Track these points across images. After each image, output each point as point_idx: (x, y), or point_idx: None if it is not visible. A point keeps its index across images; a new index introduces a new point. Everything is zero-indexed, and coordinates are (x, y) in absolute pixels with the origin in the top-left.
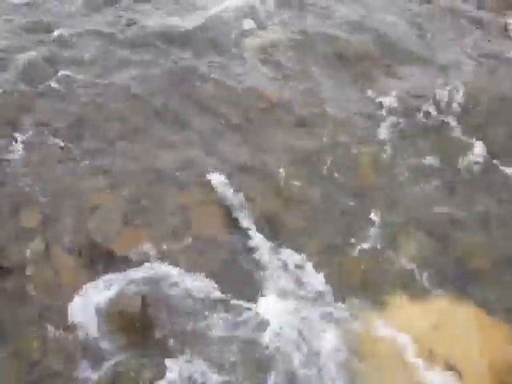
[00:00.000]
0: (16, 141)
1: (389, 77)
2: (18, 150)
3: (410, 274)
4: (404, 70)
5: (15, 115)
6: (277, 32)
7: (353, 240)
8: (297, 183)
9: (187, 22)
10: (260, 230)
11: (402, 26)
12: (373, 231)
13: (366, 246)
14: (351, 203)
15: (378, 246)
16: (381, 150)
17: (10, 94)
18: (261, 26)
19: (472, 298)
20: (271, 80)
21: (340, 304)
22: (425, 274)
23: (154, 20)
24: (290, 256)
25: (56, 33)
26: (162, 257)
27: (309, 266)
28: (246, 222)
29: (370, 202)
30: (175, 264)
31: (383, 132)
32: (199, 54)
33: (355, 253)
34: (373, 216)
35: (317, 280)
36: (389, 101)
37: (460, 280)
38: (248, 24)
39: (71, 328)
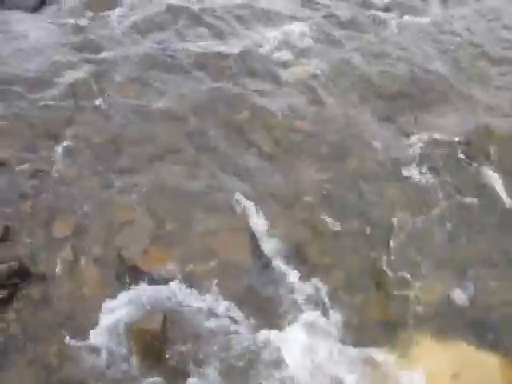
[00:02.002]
0: (56, 153)
1: (424, 114)
2: (57, 162)
3: (435, 316)
4: (440, 108)
5: (58, 129)
6: (313, 64)
7: (377, 277)
8: (324, 215)
9: (227, 50)
10: (284, 259)
11: (442, 62)
12: (398, 269)
13: (390, 283)
14: (377, 239)
15: (403, 285)
16: (410, 186)
17: (55, 108)
18: (298, 58)
19: (498, 347)
20: (305, 111)
21: (360, 341)
22: (450, 317)
23: (194, 46)
24: (313, 288)
25: (102, 54)
26: (186, 278)
27: (331, 300)
28: (271, 250)
29: (397, 239)
30: (198, 286)
31: (413, 169)
32: (236, 81)
33: (379, 290)
34: (399, 253)
35: (338, 315)
36: (421, 138)
37: (486, 326)
38: (285, 55)
39: (91, 339)
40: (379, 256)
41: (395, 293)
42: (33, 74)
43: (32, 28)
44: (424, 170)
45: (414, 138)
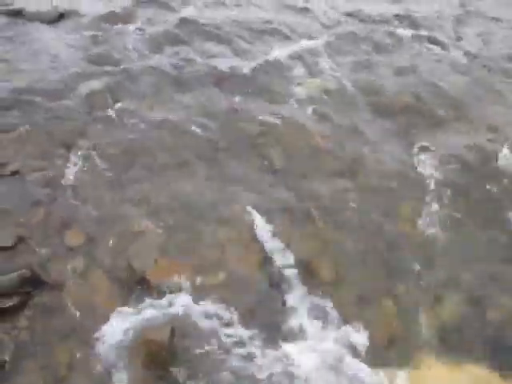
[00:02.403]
0: (70, 163)
1: (435, 130)
2: (70, 171)
3: (444, 336)
4: (452, 124)
5: (72, 139)
6: (326, 80)
7: (386, 295)
8: (334, 231)
9: (241, 65)
10: (294, 273)
11: (454, 78)
12: (408, 287)
13: (399, 301)
14: (388, 257)
15: (413, 303)
16: (422, 203)
17: (71, 118)
18: (311, 73)
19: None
20: (317, 127)
21: (369, 360)
22: (460, 338)
23: (209, 60)
24: (321, 304)
25: (117, 66)
26: (195, 290)
27: (340, 316)
28: (280, 263)
29: (408, 256)
30: (207, 299)
31: (424, 186)
32: (249, 96)
33: (388, 308)
34: (409, 271)
35: (347, 332)
36: (432, 155)
37: (500, 348)
38: (298, 71)
39: (99, 349)
40: (391, 273)
41: (407, 312)
42: (50, 85)
43: (50, 40)
44: (436, 186)
45: (426, 155)
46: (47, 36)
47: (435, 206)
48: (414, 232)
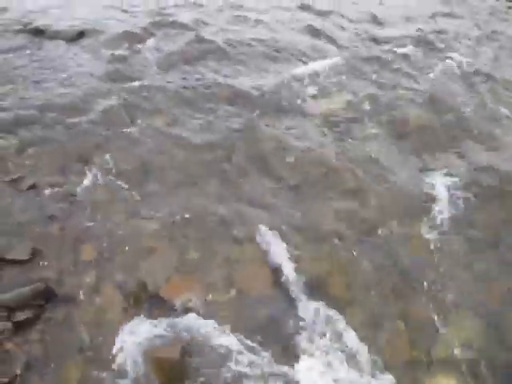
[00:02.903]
0: (86, 178)
1: (449, 149)
2: (86, 186)
3: (458, 359)
4: (465, 145)
5: (89, 154)
6: (339, 99)
7: (399, 316)
8: (347, 250)
9: (255, 84)
10: (305, 292)
11: (467, 98)
12: (421, 308)
13: (412, 323)
14: (400, 277)
15: (426, 325)
16: (435, 224)
17: (87, 134)
18: (324, 93)
19: None
20: (331, 145)
21: (382, 381)
22: (473, 361)
23: (225, 79)
24: (333, 324)
25: (134, 83)
26: (206, 308)
27: (352, 337)
28: (292, 282)
29: (421, 277)
30: (218, 316)
31: (438, 206)
32: (264, 114)
33: (401, 329)
34: (422, 292)
35: (360, 352)
36: (448, 175)
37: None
38: (313, 90)
39: (110, 365)
40: (404, 294)
41: (420, 333)
42: (68, 101)
43: (69, 57)
44: (450, 207)
45: (440, 175)
46: (66, 54)
47: (449, 227)
48: (427, 253)
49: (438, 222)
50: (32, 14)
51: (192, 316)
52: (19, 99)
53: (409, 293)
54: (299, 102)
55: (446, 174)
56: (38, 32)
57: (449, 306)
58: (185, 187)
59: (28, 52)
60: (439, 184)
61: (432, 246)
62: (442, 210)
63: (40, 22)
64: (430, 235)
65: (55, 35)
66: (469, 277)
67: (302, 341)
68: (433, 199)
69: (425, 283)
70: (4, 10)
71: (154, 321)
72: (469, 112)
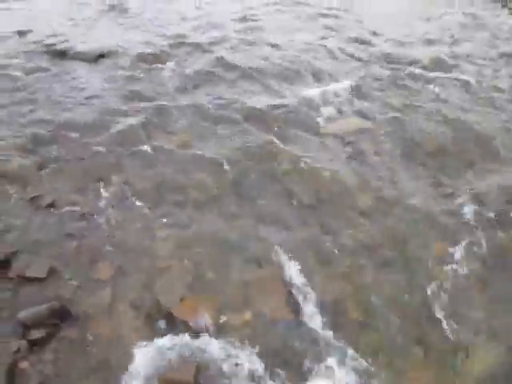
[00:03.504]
0: (103, 197)
1: (469, 172)
2: (102, 205)
3: None
4: (484, 166)
5: (106, 173)
6: (355, 120)
7: (416, 342)
8: (364, 271)
9: (272, 104)
10: (320, 315)
11: (485, 119)
12: (439, 337)
13: (429, 350)
14: (418, 302)
15: (444, 353)
16: (454, 248)
17: (105, 153)
18: (341, 114)
19: None
20: (346, 165)
21: None
22: None
23: (241, 99)
24: (347, 350)
25: (152, 103)
26: (220, 329)
27: (369, 360)
28: (306, 304)
29: (439, 303)
30: (231, 338)
31: (457, 230)
32: (279, 134)
33: (417, 357)
34: (441, 320)
35: (376, 377)
36: (467, 197)
37: None
38: (328, 110)
39: None
40: (423, 318)
41: (439, 359)
42: (87, 120)
43: (90, 78)
44: (469, 230)
45: (457, 197)
46: (87, 75)
47: (469, 251)
48: (445, 277)
49: (458, 245)
50: (55, 36)
51: (206, 337)
52: (40, 119)
53: (428, 319)
54: (315, 121)
55: (465, 196)
56: (60, 54)
57: (469, 334)
58: (200, 206)
59: (50, 73)
60: (458, 206)
61: (451, 271)
62: (462, 234)
63: (62, 44)
64: (450, 259)
65: (76, 57)
66: (491, 304)
67: (318, 365)
68: (452, 222)
69: (445, 309)
70: (28, 32)
71: (168, 341)
72: (488, 134)
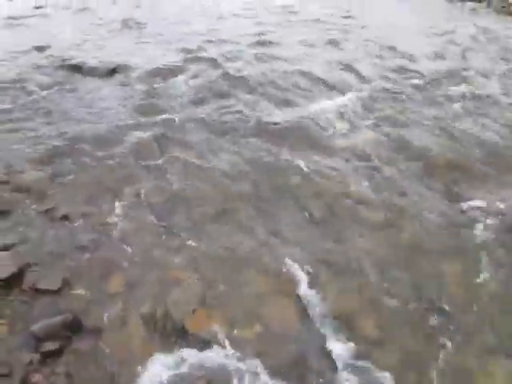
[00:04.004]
0: (116, 209)
1: (482, 186)
2: (115, 217)
3: None
4: (497, 180)
5: (119, 186)
6: (367, 134)
7: (432, 357)
8: (376, 285)
9: (282, 117)
10: (333, 329)
11: (499, 134)
12: (455, 350)
13: (446, 365)
14: (433, 317)
15: (460, 368)
16: (469, 263)
17: (118, 166)
18: (352, 127)
19: None
20: (358, 179)
21: None
22: None
23: (253, 112)
24: (362, 364)
25: (164, 117)
26: (232, 342)
27: (383, 378)
28: (319, 318)
29: (455, 319)
30: (243, 351)
31: (470, 243)
32: (291, 147)
33: (433, 371)
34: (457, 333)
35: None
36: (477, 210)
37: None
38: (340, 124)
39: None
40: (437, 334)
41: (454, 377)
42: (101, 133)
43: (104, 92)
44: (483, 244)
45: (470, 210)
46: (101, 89)
47: (486, 267)
48: (460, 292)
49: (474, 260)
50: (70, 51)
51: (217, 350)
52: (55, 132)
53: (443, 333)
54: (326, 135)
55: (479, 211)
56: (75, 68)
57: (486, 350)
58: (212, 219)
59: (65, 87)
60: (471, 220)
61: (467, 286)
62: (477, 248)
63: (77, 59)
64: (465, 274)
65: (91, 71)
66: (507, 317)
67: (329, 379)
68: (465, 236)
69: (460, 324)
70: (46, 47)
71: (179, 354)
72: (499, 147)
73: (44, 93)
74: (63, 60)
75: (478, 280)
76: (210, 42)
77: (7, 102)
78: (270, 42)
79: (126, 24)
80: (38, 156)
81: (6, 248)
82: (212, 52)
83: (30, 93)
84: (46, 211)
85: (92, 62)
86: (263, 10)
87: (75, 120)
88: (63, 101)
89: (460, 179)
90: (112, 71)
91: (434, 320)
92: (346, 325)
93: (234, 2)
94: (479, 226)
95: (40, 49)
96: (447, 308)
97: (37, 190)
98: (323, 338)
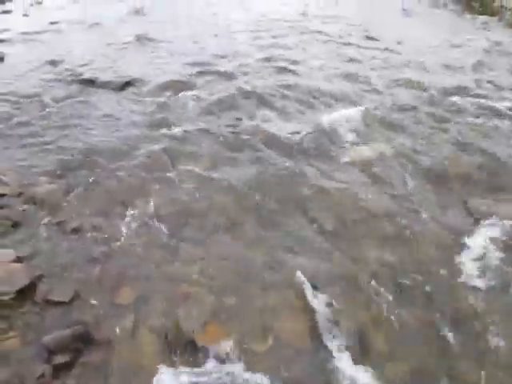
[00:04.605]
0: (127, 221)
1: (495, 199)
2: (126, 229)
3: None
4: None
5: (130, 198)
6: (379, 146)
7: (446, 376)
8: (389, 299)
9: (292, 130)
10: (344, 344)
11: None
12: (469, 367)
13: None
14: (447, 333)
15: None
16: (483, 276)
17: (129, 178)
18: (364, 139)
19: None
20: (369, 191)
21: None
22: None
23: (263, 125)
24: (375, 379)
25: (176, 130)
26: (241, 356)
27: None
28: (329, 332)
29: (468, 332)
30: (253, 366)
31: (486, 256)
32: (300, 159)
33: None
34: (472, 350)
35: None
36: (494, 225)
37: None
38: (349, 136)
39: None
40: (451, 351)
41: None
42: (113, 146)
43: (116, 105)
44: (497, 258)
45: (484, 224)
46: (113, 102)
47: (498, 280)
48: (475, 307)
49: (486, 273)
50: (84, 65)
51: (226, 365)
52: (69, 144)
53: (456, 349)
54: (335, 148)
55: (492, 224)
56: (89, 82)
57: (503, 367)
58: (223, 232)
59: (78, 100)
60: (485, 233)
61: (479, 299)
62: (489, 261)
63: (90, 73)
64: (477, 287)
65: (104, 85)
66: None
67: None
68: (479, 249)
69: (473, 338)
70: (60, 62)
71: (189, 367)
72: None
73: (58, 106)
74: (77, 74)
75: (494, 294)
76: (221, 56)
77: (22, 115)
78: (282, 57)
79: (139, 39)
80: (52, 169)
81: (19, 260)
82: (223, 66)
83: (44, 106)
84: (59, 223)
85: (105, 76)
86: (276, 24)
87: (88, 133)
88: (77, 114)
89: (474, 192)
90: (124, 85)
91: (447, 334)
92: (356, 339)
93: (245, 19)
94: (495, 240)
95: (54, 63)
96: (459, 322)
97: (49, 203)
98: (334, 353)
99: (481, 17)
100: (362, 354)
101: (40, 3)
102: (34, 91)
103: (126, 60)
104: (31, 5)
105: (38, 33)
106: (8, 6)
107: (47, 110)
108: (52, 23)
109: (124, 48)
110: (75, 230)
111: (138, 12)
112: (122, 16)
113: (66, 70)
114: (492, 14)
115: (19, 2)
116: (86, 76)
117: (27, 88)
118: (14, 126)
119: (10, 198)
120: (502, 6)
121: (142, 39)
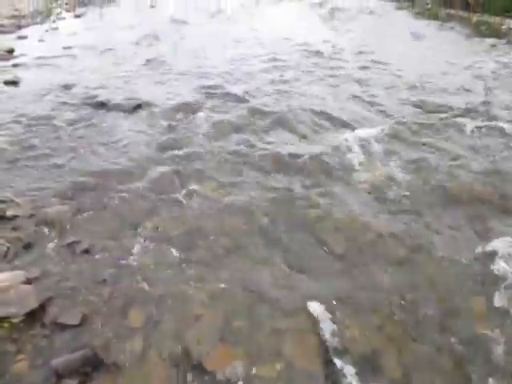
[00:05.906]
0: (137, 243)
1: (507, 223)
2: (135, 250)
3: None
4: None
5: (140, 219)
6: (388, 168)
7: None
8: (400, 324)
9: (301, 151)
10: (356, 369)
11: None
12: None
13: None
14: (460, 358)
15: None
16: (498, 300)
17: (139, 200)
18: (372, 161)
19: None
20: (378, 213)
21: None
22: None
23: (273, 147)
24: None
25: (186, 151)
26: (251, 381)
27: None
28: (341, 357)
29: (483, 354)
30: None
31: (498, 279)
32: (309, 181)
33: None
34: (485, 376)
35: None
36: (504, 247)
37: None
38: (358, 157)
39: None
40: (465, 377)
41: None
42: (123, 168)
43: (127, 127)
44: (507, 278)
45: (497, 247)
46: (124, 124)
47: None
48: (489, 331)
49: (500, 297)
50: (96, 88)
51: None
52: (80, 166)
53: (472, 375)
54: (346, 169)
55: (505, 246)
56: (101, 105)
57: None
58: (232, 254)
59: (90, 123)
60: (498, 257)
61: (494, 323)
62: (504, 284)
63: (102, 96)
64: (491, 311)
65: (115, 108)
66: None
67: None
68: (492, 273)
69: (486, 365)
70: (73, 85)
71: None
72: None
73: (70, 129)
74: (89, 97)
75: (504, 317)
76: (230, 78)
77: (35, 137)
78: (292, 79)
79: (150, 62)
80: (63, 190)
81: (29, 281)
82: (233, 88)
83: (56, 129)
84: (68, 245)
85: (116, 98)
86: (288, 48)
87: (99, 155)
88: (88, 136)
89: (485, 214)
90: (135, 107)
91: (461, 358)
92: (368, 364)
93: (255, 41)
94: (509, 262)
95: (67, 87)
96: (474, 347)
97: (60, 224)
98: (344, 377)
99: (488, 39)
100: (374, 379)
101: (56, 29)
102: (46, 114)
103: (138, 83)
104: (46, 30)
105: (52, 57)
106: (24, 31)
107: (59, 132)
108: (66, 48)
109: (136, 71)
110: (85, 252)
111: (149, 37)
112: (134, 41)
113: (79, 93)
114: (499, 37)
115: (36, 27)
116: (98, 99)
117: (40, 111)
118: (26, 148)
119: (23, 219)
120: (510, 29)
121: (153, 63)
